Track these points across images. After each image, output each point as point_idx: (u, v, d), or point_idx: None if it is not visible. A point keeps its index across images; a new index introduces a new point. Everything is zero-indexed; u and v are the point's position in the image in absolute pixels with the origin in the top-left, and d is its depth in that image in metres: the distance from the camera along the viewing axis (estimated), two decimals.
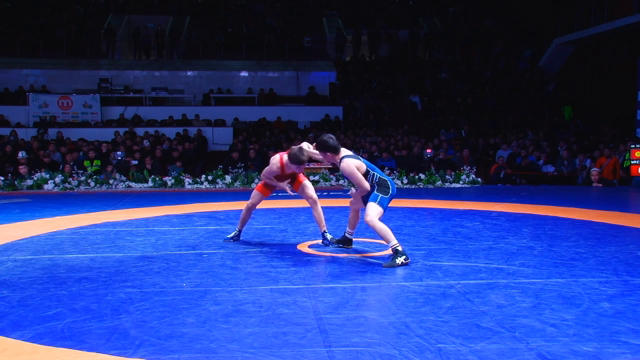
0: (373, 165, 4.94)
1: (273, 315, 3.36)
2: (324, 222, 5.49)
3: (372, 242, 5.60)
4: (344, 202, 8.86)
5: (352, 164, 4.74)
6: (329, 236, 5.45)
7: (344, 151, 4.91)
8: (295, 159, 5.10)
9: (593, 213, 7.61)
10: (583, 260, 4.77)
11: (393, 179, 11.98)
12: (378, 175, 4.82)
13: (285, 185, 5.42)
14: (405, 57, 20.85)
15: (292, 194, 5.49)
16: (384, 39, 21.00)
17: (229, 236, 5.76)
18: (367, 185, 4.74)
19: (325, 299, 3.67)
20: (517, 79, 19.55)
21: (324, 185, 11.80)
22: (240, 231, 5.75)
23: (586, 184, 12.18)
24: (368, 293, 3.85)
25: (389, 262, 4.59)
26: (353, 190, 4.95)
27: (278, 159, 5.30)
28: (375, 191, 4.77)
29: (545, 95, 18.73)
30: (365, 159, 5.02)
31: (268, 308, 3.50)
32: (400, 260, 4.54)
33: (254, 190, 5.63)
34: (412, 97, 18.38)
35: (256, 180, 11.91)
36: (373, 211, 4.67)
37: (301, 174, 5.51)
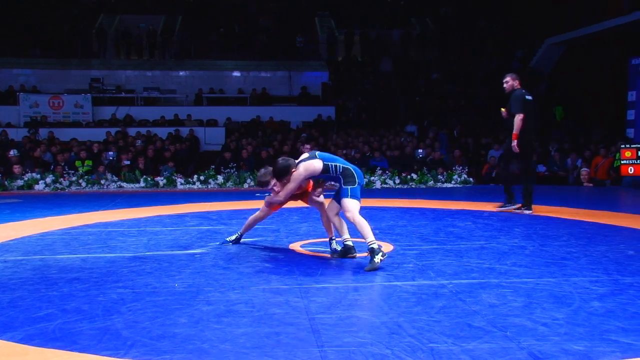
0: (334, 157, 4.81)
1: (265, 315, 3.36)
2: (332, 228, 5.12)
3: (364, 242, 5.59)
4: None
5: (305, 168, 4.64)
6: (334, 243, 5.10)
7: (302, 157, 4.81)
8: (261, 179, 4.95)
9: (584, 213, 7.65)
10: (574, 259, 4.79)
11: (385, 179, 12.05)
12: (341, 165, 4.69)
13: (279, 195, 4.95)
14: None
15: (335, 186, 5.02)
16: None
17: (228, 238, 5.58)
18: (284, 197, 4.81)
19: (318, 299, 3.67)
20: None
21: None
22: (241, 235, 5.55)
23: (577, 183, 12.26)
24: (360, 293, 3.85)
25: (369, 266, 4.41)
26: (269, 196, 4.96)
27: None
28: (342, 185, 4.65)
29: (537, 96, 18.80)
30: (323, 153, 4.88)
31: (260, 308, 3.49)
32: (378, 259, 4.37)
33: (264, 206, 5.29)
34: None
35: (248, 181, 11.90)
36: (352, 205, 4.57)
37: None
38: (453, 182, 12.23)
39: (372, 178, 11.97)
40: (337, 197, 4.80)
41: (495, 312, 3.38)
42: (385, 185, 11.93)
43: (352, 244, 4.93)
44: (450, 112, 17.90)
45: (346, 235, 4.92)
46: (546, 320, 3.22)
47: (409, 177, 12.21)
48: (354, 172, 4.70)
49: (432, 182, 12.17)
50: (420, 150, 13.85)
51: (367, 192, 11.02)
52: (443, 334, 3.02)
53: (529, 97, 7.40)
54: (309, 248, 5.40)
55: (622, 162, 11.78)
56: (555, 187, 11.78)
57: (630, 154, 11.67)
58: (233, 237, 5.55)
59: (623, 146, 11.98)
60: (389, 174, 12.27)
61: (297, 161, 4.78)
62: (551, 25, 19.32)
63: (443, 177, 12.31)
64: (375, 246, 4.44)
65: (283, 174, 4.72)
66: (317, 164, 4.66)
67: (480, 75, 19.96)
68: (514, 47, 21.12)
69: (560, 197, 9.86)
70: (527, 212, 7.57)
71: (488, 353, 2.76)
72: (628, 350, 2.80)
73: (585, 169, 12.35)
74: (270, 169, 4.89)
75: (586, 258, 4.83)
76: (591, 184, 12.08)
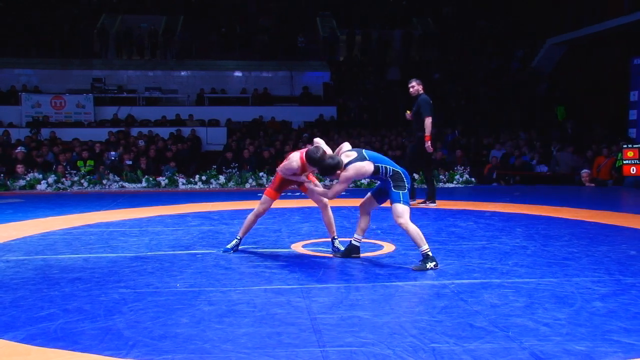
0: (382, 157, 4.65)
1: (267, 315, 3.36)
2: (334, 227, 5.13)
3: (365, 242, 5.59)
4: (341, 202, 8.85)
5: (356, 171, 4.48)
6: (337, 242, 5.10)
7: (346, 156, 4.61)
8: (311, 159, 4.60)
9: (586, 213, 7.65)
10: (576, 259, 4.79)
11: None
12: (391, 168, 4.56)
13: (303, 177, 4.95)
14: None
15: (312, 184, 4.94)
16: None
17: (228, 246, 5.22)
18: (332, 196, 4.67)
19: (319, 299, 3.67)
20: (510, 79, 19.62)
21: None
22: (241, 240, 5.24)
23: (578, 183, 12.24)
24: (362, 293, 3.85)
25: (419, 265, 4.44)
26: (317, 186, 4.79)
27: (298, 156, 4.82)
28: (392, 188, 4.51)
29: (538, 96, 18.79)
30: (370, 151, 4.74)
31: (262, 308, 3.50)
32: (430, 265, 4.41)
33: (264, 196, 5.10)
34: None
35: (250, 181, 11.91)
36: (403, 212, 4.44)
37: (311, 175, 5.14)
38: (455, 182, 12.21)
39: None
40: (378, 195, 4.75)
41: (497, 312, 3.38)
42: None
43: (358, 245, 4.91)
44: (452, 112, 17.89)
45: (359, 236, 4.88)
46: (548, 321, 3.22)
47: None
48: (403, 175, 4.57)
49: None
50: None
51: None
52: (445, 334, 3.02)
53: (430, 102, 8.25)
54: (311, 248, 5.40)
55: (624, 162, 11.76)
56: (556, 187, 11.77)
57: (632, 154, 11.65)
58: (232, 244, 5.23)
59: (625, 146, 11.97)
60: None
61: (342, 158, 4.58)
62: (552, 25, 19.30)
63: (445, 177, 12.30)
64: (430, 253, 4.46)
65: (328, 171, 4.54)
66: (368, 167, 4.51)
67: (481, 75, 19.94)
68: (514, 47, 21.10)
69: (562, 197, 9.85)
70: (432, 205, 8.40)
71: (490, 353, 2.76)
72: (630, 351, 2.80)
73: (586, 170, 12.33)
74: (322, 149, 4.60)
75: (588, 258, 4.83)
76: (593, 184, 12.07)
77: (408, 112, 8.40)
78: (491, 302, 3.58)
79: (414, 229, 4.45)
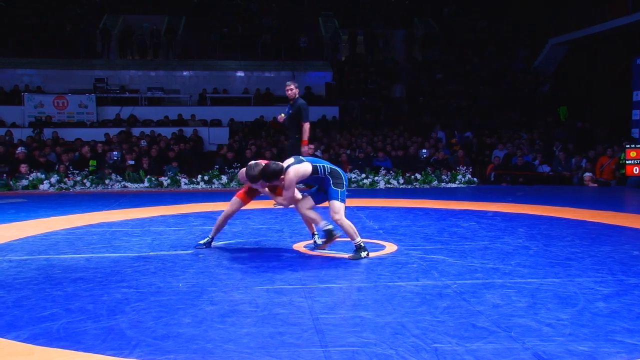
0: (320, 159, 5.05)
1: (269, 315, 3.36)
2: (313, 224, 5.30)
3: (367, 242, 5.59)
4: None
5: (295, 172, 4.72)
6: (316, 238, 5.33)
7: (287, 162, 4.88)
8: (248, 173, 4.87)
9: (588, 213, 7.63)
10: (578, 260, 4.78)
11: (389, 179, 12.05)
12: (329, 166, 4.90)
13: (266, 190, 5.07)
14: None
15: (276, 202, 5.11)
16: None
17: (201, 242, 5.43)
18: (288, 203, 4.94)
19: (322, 299, 3.67)
20: (512, 80, 19.59)
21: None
22: (213, 238, 5.44)
23: (581, 184, 12.23)
24: (364, 293, 3.85)
25: (354, 255, 4.84)
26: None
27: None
28: (332, 186, 4.83)
29: (541, 96, 18.76)
30: (314, 158, 5.13)
31: (264, 308, 3.50)
32: (363, 254, 4.83)
33: (234, 197, 5.32)
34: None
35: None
36: (340, 208, 4.80)
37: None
38: (457, 182, 12.20)
39: (376, 178, 11.95)
40: (317, 195, 5.01)
41: (500, 313, 3.37)
42: (389, 185, 11.92)
43: (332, 226, 5.01)
44: (454, 112, 17.86)
45: (323, 222, 5.01)
46: (551, 321, 3.22)
47: (412, 177, 12.20)
48: (342, 174, 4.92)
49: (436, 182, 12.15)
50: (424, 151, 13.83)
51: (370, 192, 11.02)
52: (447, 334, 3.02)
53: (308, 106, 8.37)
54: (313, 248, 5.40)
55: (627, 162, 11.73)
56: (559, 187, 11.75)
57: (635, 154, 11.62)
58: (204, 241, 5.43)
59: (628, 146, 11.94)
60: (393, 174, 12.24)
61: (285, 165, 4.86)
62: (554, 25, 19.28)
63: (447, 177, 12.30)
64: (362, 244, 4.88)
65: (273, 177, 4.78)
66: (306, 167, 4.80)
67: (484, 76, 19.91)
68: (517, 48, 21.07)
69: (564, 197, 9.84)
70: None
71: (492, 353, 2.76)
72: (633, 351, 2.79)
73: (588, 173, 12.30)
74: (261, 163, 4.90)
75: (590, 258, 4.82)
76: (596, 184, 12.05)
77: (282, 115, 8.46)
78: (494, 302, 3.57)
79: (347, 224, 4.83)
